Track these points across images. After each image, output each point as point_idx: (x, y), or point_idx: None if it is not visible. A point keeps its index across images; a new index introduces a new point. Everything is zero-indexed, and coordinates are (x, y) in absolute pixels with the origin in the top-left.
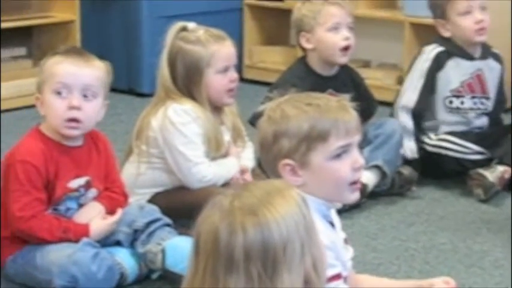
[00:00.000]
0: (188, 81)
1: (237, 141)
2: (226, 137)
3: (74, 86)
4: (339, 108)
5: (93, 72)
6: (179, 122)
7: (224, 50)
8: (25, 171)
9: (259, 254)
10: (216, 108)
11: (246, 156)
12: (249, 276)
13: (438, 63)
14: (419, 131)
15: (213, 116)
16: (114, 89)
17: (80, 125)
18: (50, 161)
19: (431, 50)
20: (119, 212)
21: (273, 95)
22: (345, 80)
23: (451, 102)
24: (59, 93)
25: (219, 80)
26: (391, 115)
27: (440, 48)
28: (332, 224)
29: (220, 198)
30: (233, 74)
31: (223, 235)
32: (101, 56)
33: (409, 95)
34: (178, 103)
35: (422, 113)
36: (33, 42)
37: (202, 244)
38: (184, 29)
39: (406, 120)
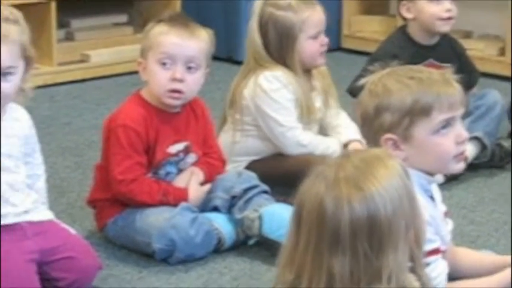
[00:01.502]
0: (280, 47)
1: (328, 104)
2: (318, 103)
3: (178, 57)
4: (442, 82)
5: (198, 44)
6: (270, 89)
7: (315, 15)
8: (126, 136)
9: (365, 230)
10: (307, 74)
11: (346, 126)
12: (355, 254)
13: None
14: None
15: (304, 81)
16: (212, 57)
17: (181, 96)
18: (150, 126)
19: None
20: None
21: (373, 67)
22: (446, 50)
23: None
24: (163, 63)
25: (311, 45)
26: None
27: None
28: (432, 198)
29: (324, 169)
30: (324, 38)
31: (329, 208)
32: (200, 24)
33: None
34: (269, 70)
35: None
36: (134, 9)
37: (306, 215)
38: None
39: None
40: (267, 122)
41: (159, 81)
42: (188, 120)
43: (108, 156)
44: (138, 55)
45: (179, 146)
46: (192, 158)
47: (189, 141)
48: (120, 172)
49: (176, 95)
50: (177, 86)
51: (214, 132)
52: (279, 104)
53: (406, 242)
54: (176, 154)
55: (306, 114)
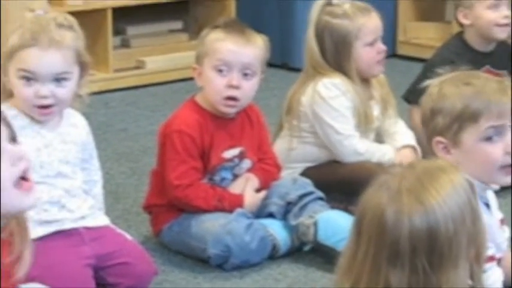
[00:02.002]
0: (337, 55)
1: (387, 113)
2: (376, 111)
3: (234, 64)
4: (497, 90)
5: (254, 51)
6: (329, 96)
7: (371, 22)
8: (181, 141)
9: (425, 245)
10: (365, 82)
11: (403, 133)
12: (414, 269)
13: None
14: None
15: (362, 90)
16: (267, 63)
17: (237, 103)
18: (205, 131)
19: None
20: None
21: (442, 71)
22: (503, 56)
23: None
24: (219, 70)
25: (367, 53)
26: None
27: None
28: (488, 205)
29: (387, 178)
30: (380, 46)
31: (390, 220)
32: (255, 31)
33: None
34: (327, 77)
35: None
36: (190, 15)
37: (366, 224)
38: (329, 3)
39: None
40: (325, 129)
41: (216, 87)
42: (243, 126)
43: (164, 161)
44: (193, 61)
45: (234, 152)
46: (247, 163)
47: (244, 147)
48: (176, 177)
49: (232, 102)
50: (233, 92)
51: (269, 138)
52: (337, 112)
53: (467, 259)
54: (231, 159)
55: (363, 122)
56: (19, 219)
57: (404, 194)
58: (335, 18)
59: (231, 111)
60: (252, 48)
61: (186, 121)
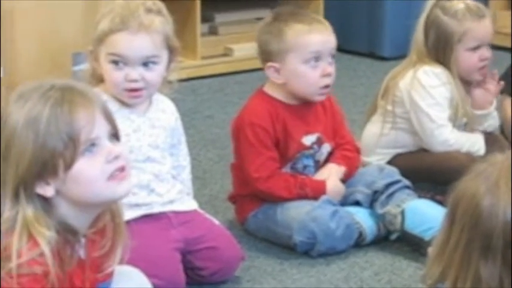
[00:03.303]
0: (439, 50)
1: None
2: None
3: (324, 53)
4: None
5: (333, 36)
6: (429, 84)
7: (480, 28)
8: (254, 133)
9: None
10: (465, 84)
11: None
12: (506, 263)
13: None
14: None
15: (460, 85)
16: (354, 52)
17: (329, 89)
18: (276, 120)
19: None
20: None
21: None
22: None
23: None
24: (310, 62)
25: (468, 58)
26: None
27: None
28: None
29: (486, 168)
30: (484, 53)
31: (485, 212)
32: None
33: None
34: (429, 66)
35: None
36: (278, 3)
37: (460, 213)
38: None
39: None
40: (419, 116)
41: (311, 80)
42: (316, 111)
43: (240, 155)
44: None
45: (312, 138)
46: (326, 148)
47: (320, 133)
48: (255, 170)
49: (326, 90)
50: (328, 81)
51: (345, 122)
52: (434, 100)
53: None
54: (310, 146)
55: (459, 115)
56: (114, 213)
57: (502, 186)
58: (445, 14)
59: (324, 97)
60: (332, 34)
61: (256, 112)
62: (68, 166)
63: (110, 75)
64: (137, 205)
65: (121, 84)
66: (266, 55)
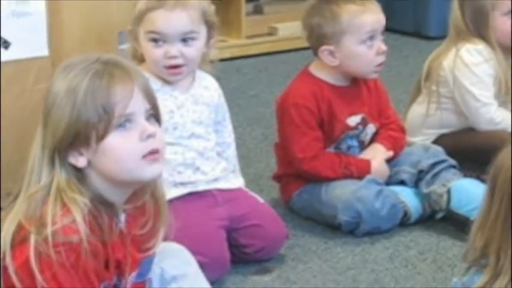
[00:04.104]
0: (477, 23)
1: None
2: None
3: (379, 32)
4: None
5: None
6: (472, 62)
7: None
8: (298, 114)
9: None
10: (506, 51)
11: None
12: None
13: None
14: None
15: (503, 59)
16: (400, 31)
17: (382, 67)
18: (321, 100)
19: None
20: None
21: None
22: None
23: None
24: (365, 42)
25: (504, 22)
26: None
27: None
28: None
29: None
30: None
31: None
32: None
33: None
34: (471, 43)
35: None
36: None
37: (500, 184)
38: None
39: None
40: (463, 95)
41: (367, 59)
42: (360, 92)
43: (285, 135)
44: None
45: (356, 119)
46: (371, 128)
47: (365, 113)
48: (299, 150)
49: (380, 68)
50: (382, 58)
51: (390, 102)
52: (477, 78)
53: None
54: (355, 127)
55: (504, 91)
56: (155, 193)
57: None
58: None
59: (377, 75)
60: (382, 11)
61: (301, 93)
62: (100, 138)
63: (149, 53)
64: (182, 183)
65: (161, 62)
66: (319, 38)
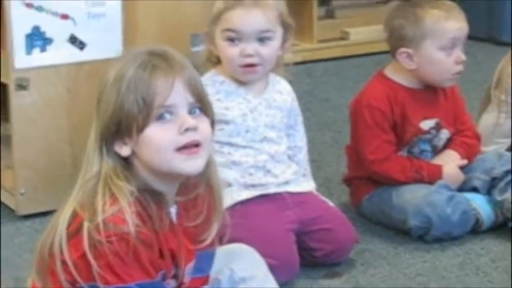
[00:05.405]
0: None
1: None
2: None
3: (459, 40)
4: None
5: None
6: None
7: None
8: (371, 115)
9: None
10: None
11: None
12: None
13: None
14: None
15: None
16: (473, 37)
17: (459, 76)
18: (394, 103)
19: None
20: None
21: None
22: None
23: None
24: (446, 49)
25: None
26: None
27: None
28: None
29: None
30: None
31: None
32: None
33: None
34: None
35: None
36: None
37: None
38: None
39: None
40: None
41: (446, 65)
42: (436, 96)
43: (357, 137)
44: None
45: (430, 123)
46: (445, 134)
47: (439, 118)
48: (371, 152)
49: (457, 76)
50: (460, 68)
51: (466, 108)
52: None
53: None
54: (428, 131)
55: None
56: (210, 187)
57: None
58: None
59: (453, 83)
60: (466, 20)
61: (375, 95)
62: (141, 129)
63: (225, 52)
64: (253, 185)
65: (236, 60)
66: (398, 40)
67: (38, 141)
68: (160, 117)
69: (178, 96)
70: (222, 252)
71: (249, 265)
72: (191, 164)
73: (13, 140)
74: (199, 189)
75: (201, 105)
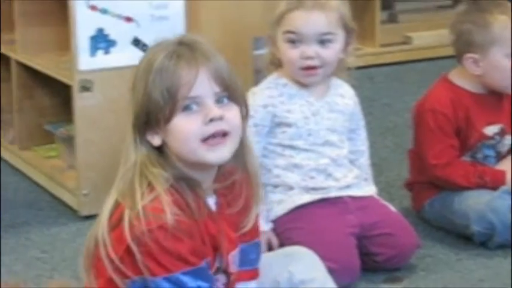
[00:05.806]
0: None
1: None
2: None
3: None
4: None
5: None
6: None
7: None
8: (435, 120)
9: None
10: None
11: None
12: None
13: None
14: None
15: None
16: None
17: None
18: (458, 108)
19: None
20: None
21: None
22: None
23: None
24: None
25: None
26: None
27: None
28: None
29: None
30: None
31: None
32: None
33: None
34: None
35: None
36: None
37: None
38: None
39: None
40: None
41: (510, 74)
42: (500, 102)
43: (420, 141)
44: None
45: (494, 128)
46: (509, 140)
47: (504, 124)
48: (433, 156)
49: None
50: None
51: None
52: None
53: None
54: (492, 137)
55: None
56: (247, 170)
57: None
58: None
59: None
60: None
61: (439, 99)
62: (167, 120)
63: (286, 54)
64: (314, 189)
65: (297, 62)
66: (465, 45)
67: (101, 143)
68: (186, 108)
69: (203, 87)
70: (280, 254)
71: (308, 267)
72: (215, 155)
73: (76, 141)
74: (235, 175)
75: (229, 93)
